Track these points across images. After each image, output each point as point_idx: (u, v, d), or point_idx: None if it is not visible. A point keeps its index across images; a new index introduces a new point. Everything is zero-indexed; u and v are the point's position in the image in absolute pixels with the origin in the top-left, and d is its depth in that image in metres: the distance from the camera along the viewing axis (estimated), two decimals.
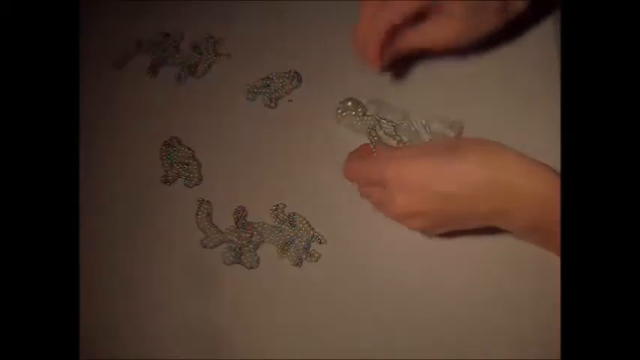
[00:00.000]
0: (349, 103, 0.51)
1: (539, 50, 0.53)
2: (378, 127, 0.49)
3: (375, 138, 0.49)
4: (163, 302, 0.47)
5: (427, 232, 0.45)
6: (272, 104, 0.54)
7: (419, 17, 0.45)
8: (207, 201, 0.50)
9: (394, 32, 0.46)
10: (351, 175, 0.46)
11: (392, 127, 0.49)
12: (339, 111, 0.51)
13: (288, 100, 0.54)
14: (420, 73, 0.52)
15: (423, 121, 0.49)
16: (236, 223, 0.49)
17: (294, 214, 0.49)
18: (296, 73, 0.54)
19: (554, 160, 0.39)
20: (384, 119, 0.50)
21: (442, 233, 0.44)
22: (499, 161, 0.40)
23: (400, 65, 0.52)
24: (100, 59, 0.57)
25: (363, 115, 0.50)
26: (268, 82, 0.54)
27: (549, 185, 0.38)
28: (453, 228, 0.44)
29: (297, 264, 0.47)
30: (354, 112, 0.51)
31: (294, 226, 0.48)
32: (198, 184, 0.51)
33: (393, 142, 0.49)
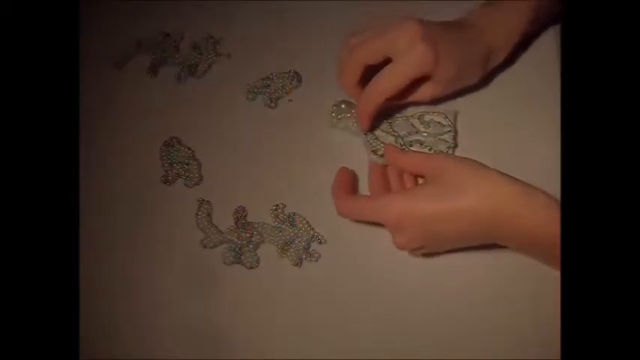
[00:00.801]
0: (343, 106, 0.51)
1: (540, 50, 0.53)
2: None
3: (375, 141, 0.49)
4: (163, 302, 0.47)
5: (425, 253, 0.46)
6: (272, 104, 0.54)
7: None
8: (207, 201, 0.50)
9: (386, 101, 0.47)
10: (345, 213, 0.46)
11: (388, 124, 0.49)
12: (334, 114, 0.51)
13: (288, 100, 0.54)
14: None
15: (418, 114, 0.50)
16: (236, 223, 0.49)
17: (294, 214, 0.49)
18: (296, 73, 0.54)
19: (554, 160, 0.39)
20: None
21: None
22: (499, 195, 0.40)
23: None
24: (100, 59, 0.57)
25: None
26: (268, 82, 0.54)
27: (549, 214, 0.39)
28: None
29: (297, 264, 0.47)
30: (349, 115, 0.50)
31: (294, 226, 0.48)
32: (198, 184, 0.51)
33: (391, 139, 0.48)
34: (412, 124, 0.49)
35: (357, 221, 0.47)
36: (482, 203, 0.40)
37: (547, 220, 0.39)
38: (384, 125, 0.49)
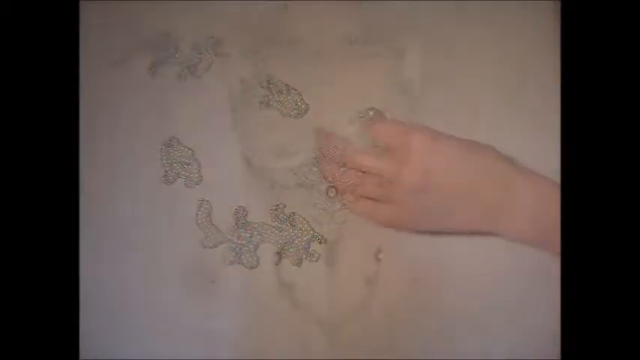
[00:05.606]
0: (371, 112, 0.50)
1: (540, 63, 0.53)
2: None
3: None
4: (163, 302, 0.47)
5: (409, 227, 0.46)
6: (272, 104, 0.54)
7: None
8: (207, 201, 0.50)
9: None
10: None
11: None
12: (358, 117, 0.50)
13: None
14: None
15: None
16: (236, 223, 0.49)
17: (294, 214, 0.49)
18: None
19: (555, 161, 0.39)
20: None
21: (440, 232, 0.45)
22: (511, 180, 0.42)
23: None
24: (100, 59, 0.57)
25: None
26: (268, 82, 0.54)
27: (550, 198, 0.40)
28: (444, 224, 0.45)
29: (297, 264, 0.47)
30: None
31: (294, 226, 0.48)
32: (198, 184, 0.51)
33: None
34: None
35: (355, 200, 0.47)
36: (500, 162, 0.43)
37: (550, 209, 0.40)
38: None
